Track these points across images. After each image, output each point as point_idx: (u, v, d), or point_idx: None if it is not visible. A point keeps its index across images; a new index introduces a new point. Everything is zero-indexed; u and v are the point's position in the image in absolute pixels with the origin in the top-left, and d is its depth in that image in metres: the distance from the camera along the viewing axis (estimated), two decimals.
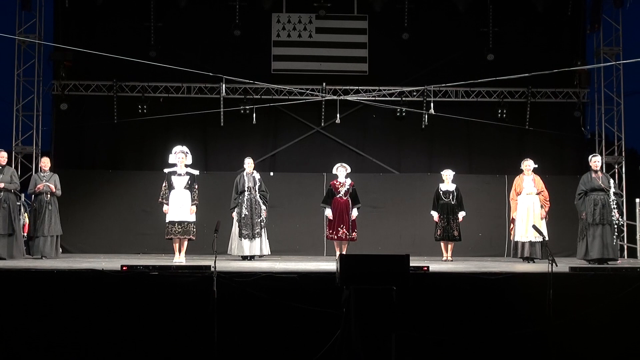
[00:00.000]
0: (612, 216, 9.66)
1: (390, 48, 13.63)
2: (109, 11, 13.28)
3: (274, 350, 7.08)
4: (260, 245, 10.65)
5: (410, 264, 6.65)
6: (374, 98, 13.08)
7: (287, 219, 12.86)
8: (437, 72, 13.49)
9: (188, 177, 9.93)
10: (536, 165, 10.59)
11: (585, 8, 13.77)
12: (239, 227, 10.62)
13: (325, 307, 6.98)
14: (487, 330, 7.14)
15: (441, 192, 11.33)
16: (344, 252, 10.34)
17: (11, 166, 10.59)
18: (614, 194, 9.78)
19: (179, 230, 9.78)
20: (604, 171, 11.10)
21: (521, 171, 10.59)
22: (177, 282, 7.20)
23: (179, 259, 9.76)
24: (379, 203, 13.08)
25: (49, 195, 10.57)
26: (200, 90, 13.56)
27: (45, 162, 10.89)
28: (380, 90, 13.20)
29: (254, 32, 13.54)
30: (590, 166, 9.95)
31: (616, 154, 13.75)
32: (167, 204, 9.82)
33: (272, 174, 13.15)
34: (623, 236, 12.12)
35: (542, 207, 10.33)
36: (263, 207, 10.74)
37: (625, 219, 11.20)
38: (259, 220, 10.66)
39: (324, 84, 13.40)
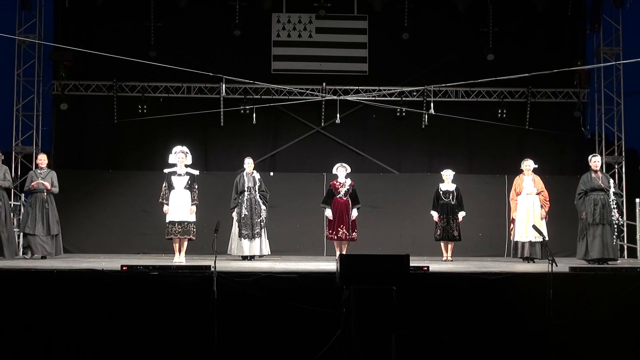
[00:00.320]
0: (612, 216, 9.66)
1: (390, 48, 13.64)
2: (109, 11, 13.28)
3: (274, 350, 7.08)
4: (260, 245, 10.65)
5: (410, 264, 6.65)
6: (374, 98, 13.08)
7: (287, 219, 12.86)
8: (437, 72, 13.50)
9: (188, 177, 9.92)
10: (536, 165, 10.58)
11: (585, 8, 13.78)
12: (238, 227, 10.62)
13: (325, 307, 6.97)
14: (487, 330, 7.14)
15: (441, 192, 11.33)
16: (344, 252, 10.34)
17: (4, 165, 10.39)
18: (614, 193, 9.78)
19: (179, 230, 9.78)
20: (604, 171, 11.11)
21: (521, 171, 10.59)
22: (177, 282, 7.19)
23: (179, 259, 9.76)
24: (379, 203, 13.08)
25: (45, 193, 10.35)
26: (200, 90, 13.56)
27: (42, 159, 10.62)
28: (380, 90, 13.20)
29: (254, 32, 13.54)
30: (590, 166, 9.95)
31: (616, 154, 13.75)
32: (167, 204, 9.82)
33: (272, 174, 13.15)
34: (623, 236, 12.11)
35: (542, 207, 10.33)
36: (263, 207, 10.74)
37: (625, 219, 11.19)
38: (258, 220, 10.66)
39: (324, 84, 13.40)
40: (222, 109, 13.36)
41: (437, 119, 13.01)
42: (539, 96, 13.67)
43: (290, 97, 13.42)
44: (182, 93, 13.56)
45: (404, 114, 13.41)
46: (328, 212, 10.71)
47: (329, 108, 13.41)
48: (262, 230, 10.71)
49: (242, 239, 10.58)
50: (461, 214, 11.26)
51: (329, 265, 8.34)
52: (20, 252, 10.76)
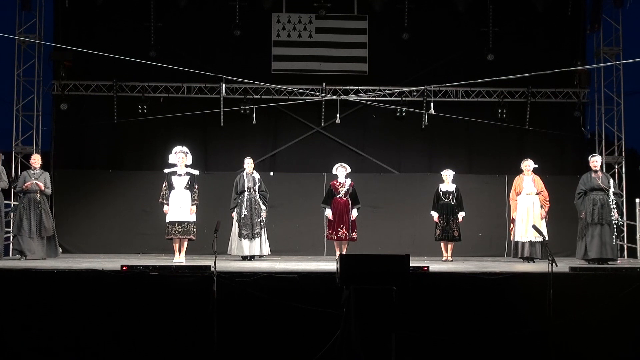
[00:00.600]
0: (612, 216, 9.66)
1: (390, 48, 13.63)
2: (109, 11, 13.26)
3: (274, 350, 7.08)
4: (260, 245, 10.65)
5: (410, 264, 6.65)
6: (374, 98, 13.08)
7: (287, 219, 12.86)
8: (437, 72, 13.49)
9: (188, 177, 9.92)
10: (536, 165, 10.58)
11: (585, 8, 13.77)
12: (238, 227, 10.62)
13: (325, 307, 6.98)
14: (487, 330, 7.14)
15: (441, 192, 11.33)
16: (344, 252, 10.34)
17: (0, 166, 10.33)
18: (614, 193, 9.78)
19: (179, 230, 9.78)
20: (603, 171, 11.10)
21: (521, 171, 10.59)
22: (177, 282, 7.20)
23: (179, 259, 9.76)
24: (379, 203, 13.08)
25: (38, 194, 10.19)
26: (200, 90, 13.56)
27: (36, 160, 10.47)
28: (380, 90, 13.19)
29: (254, 32, 13.54)
30: (590, 166, 9.95)
31: (616, 154, 13.75)
32: (167, 204, 9.82)
33: (272, 174, 13.15)
34: (623, 236, 12.11)
35: (542, 207, 10.33)
36: (263, 207, 10.74)
37: (625, 219, 11.18)
38: (258, 220, 10.66)
39: (324, 84, 13.40)
40: (222, 109, 13.36)
41: (437, 119, 13.01)
42: (539, 96, 13.66)
43: (290, 97, 13.42)
44: (182, 93, 13.55)
45: (404, 114, 13.41)
46: (328, 212, 10.72)
47: (329, 108, 13.41)
48: (262, 230, 10.71)
49: (242, 239, 10.59)
50: (461, 215, 11.25)
51: (329, 265, 8.34)
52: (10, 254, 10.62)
